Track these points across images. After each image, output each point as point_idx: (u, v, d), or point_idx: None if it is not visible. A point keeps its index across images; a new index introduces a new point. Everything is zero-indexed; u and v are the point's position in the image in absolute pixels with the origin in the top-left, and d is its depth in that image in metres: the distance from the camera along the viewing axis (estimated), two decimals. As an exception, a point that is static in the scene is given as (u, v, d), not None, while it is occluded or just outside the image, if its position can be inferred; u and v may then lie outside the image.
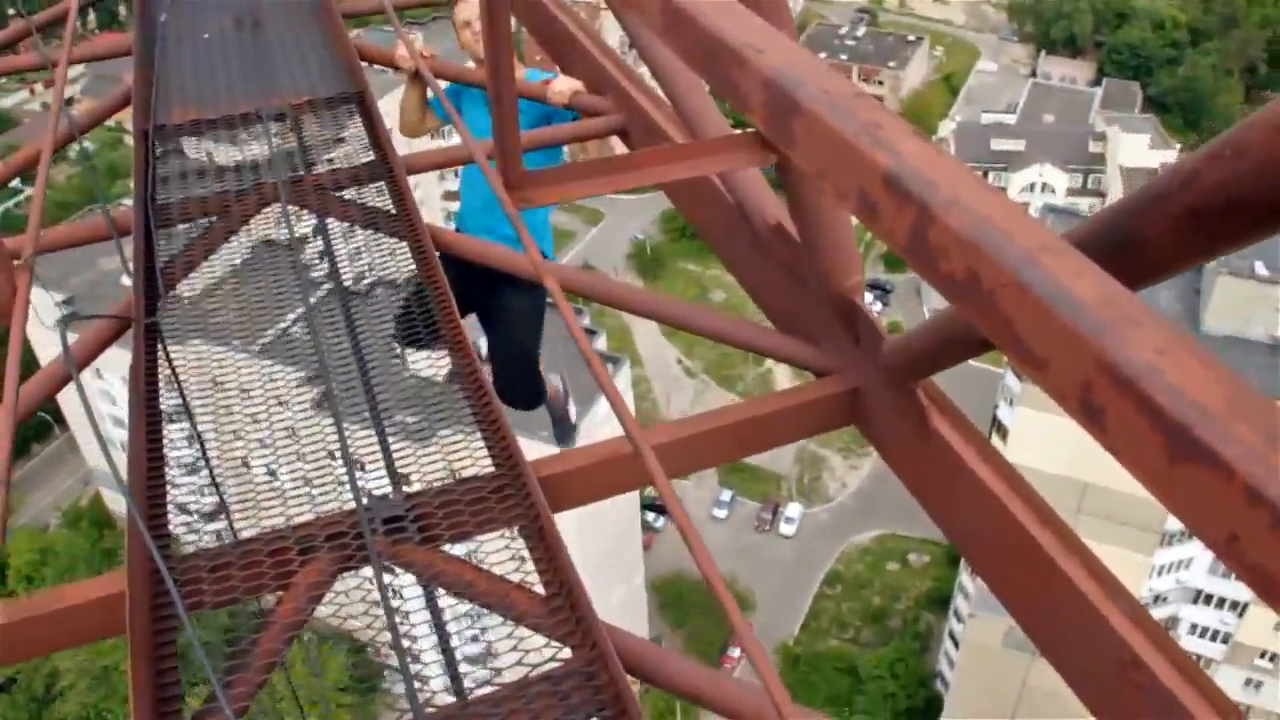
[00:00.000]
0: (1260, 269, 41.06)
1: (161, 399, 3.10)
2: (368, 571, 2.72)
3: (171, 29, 5.63)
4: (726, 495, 60.46)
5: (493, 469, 2.91)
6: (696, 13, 1.27)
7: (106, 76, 57.25)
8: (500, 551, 2.79)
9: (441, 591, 2.91)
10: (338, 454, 2.93)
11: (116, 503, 53.58)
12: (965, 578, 47.88)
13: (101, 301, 44.14)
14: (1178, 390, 0.68)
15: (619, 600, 46.14)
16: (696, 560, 1.81)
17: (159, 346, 3.29)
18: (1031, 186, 70.37)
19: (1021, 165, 70.47)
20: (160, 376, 3.20)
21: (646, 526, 58.29)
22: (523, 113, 5.11)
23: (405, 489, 2.90)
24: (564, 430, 6.64)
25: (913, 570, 58.26)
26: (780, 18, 2.35)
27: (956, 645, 48.42)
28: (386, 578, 2.66)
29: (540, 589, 2.70)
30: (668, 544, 57.73)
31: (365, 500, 2.79)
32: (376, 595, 2.68)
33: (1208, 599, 44.84)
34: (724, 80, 1.26)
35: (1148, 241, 1.24)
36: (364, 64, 5.26)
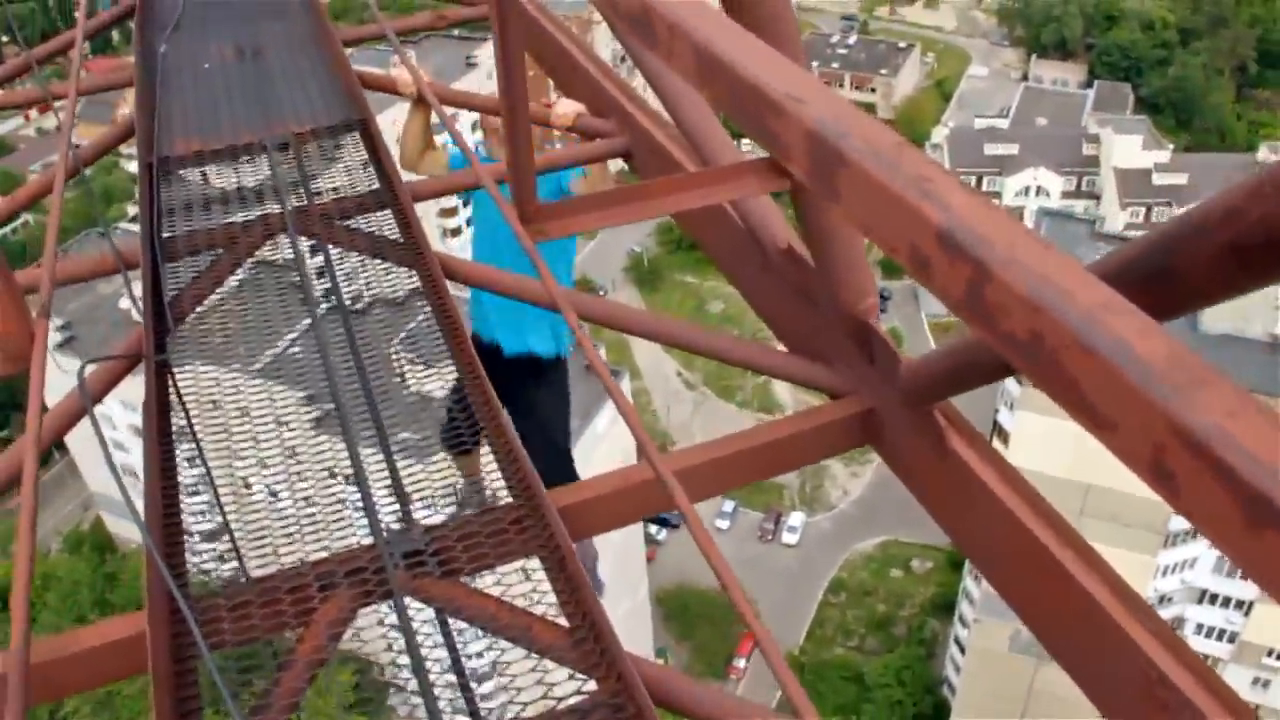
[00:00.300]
0: (1257, 269, 41.11)
1: (175, 438, 3.09)
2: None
3: (172, 59, 5.64)
4: (729, 506, 60.43)
5: (510, 500, 2.90)
6: (733, 61, 1.26)
7: (99, 101, 57.37)
8: (521, 584, 2.78)
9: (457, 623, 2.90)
10: (352, 485, 2.92)
11: (118, 526, 53.48)
12: (970, 583, 47.85)
13: (99, 326, 44.06)
14: (1251, 454, 0.68)
15: (624, 613, 46.01)
16: (728, 591, 1.80)
17: (170, 382, 3.28)
18: (1026, 190, 70.53)
19: (1015, 169, 70.64)
20: (173, 413, 3.20)
21: (649, 539, 58.24)
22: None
23: (424, 522, 2.89)
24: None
25: (916, 576, 58.22)
26: (793, 50, 2.35)
27: (962, 651, 48.37)
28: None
29: (562, 620, 2.69)
30: (671, 556, 57.67)
31: (384, 534, 2.78)
32: (391, 623, 2.68)
33: (1213, 598, 44.81)
34: (762, 130, 1.25)
35: (1187, 273, 1.24)
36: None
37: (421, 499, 2.97)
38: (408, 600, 2.70)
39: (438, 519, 2.89)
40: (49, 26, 78.81)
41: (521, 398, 5.26)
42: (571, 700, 2.43)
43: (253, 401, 3.24)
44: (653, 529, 58.72)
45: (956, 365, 2.57)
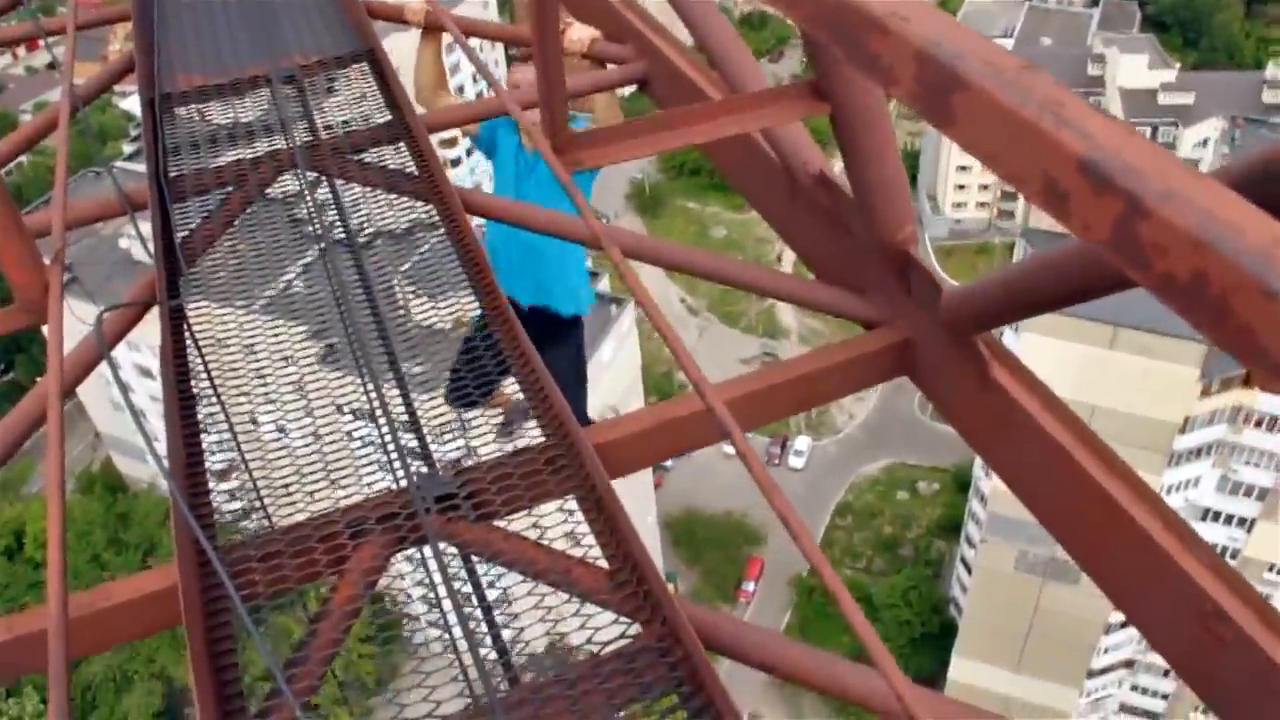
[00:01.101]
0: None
1: (193, 381, 3.00)
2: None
3: (168, -10, 5.45)
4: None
5: (544, 439, 2.82)
6: None
7: (89, 36, 56.40)
8: (557, 526, 2.72)
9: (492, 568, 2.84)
10: (377, 425, 2.84)
11: (128, 466, 53.84)
12: (975, 504, 48.21)
13: (101, 266, 43.83)
14: None
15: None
16: (793, 534, 1.72)
17: (185, 326, 3.19)
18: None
19: (1019, 89, 69.42)
20: (190, 357, 3.11)
21: (656, 467, 58.65)
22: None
23: (455, 463, 2.82)
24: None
25: (922, 498, 58.67)
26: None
27: (969, 571, 48.91)
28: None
29: (602, 562, 2.63)
30: (677, 482, 58.13)
31: (414, 477, 2.71)
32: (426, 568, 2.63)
33: (1215, 516, 45.15)
34: (861, 52, 1.14)
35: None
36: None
37: (447, 436, 2.90)
38: (442, 546, 2.64)
39: (469, 461, 2.82)
40: (34, -40, 77.07)
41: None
42: (616, 645, 2.38)
43: (267, 341, 3.15)
44: (659, 457, 58.96)
45: (1004, 296, 2.47)
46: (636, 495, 48.41)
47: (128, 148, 52.42)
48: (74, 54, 3.73)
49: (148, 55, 4.76)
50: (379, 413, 2.77)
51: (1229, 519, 45.00)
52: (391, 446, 2.73)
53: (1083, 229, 0.92)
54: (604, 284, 50.10)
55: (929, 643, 51.26)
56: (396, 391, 3.08)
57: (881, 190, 2.75)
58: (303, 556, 2.59)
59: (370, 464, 2.81)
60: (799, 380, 3.02)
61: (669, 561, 54.80)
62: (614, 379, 47.77)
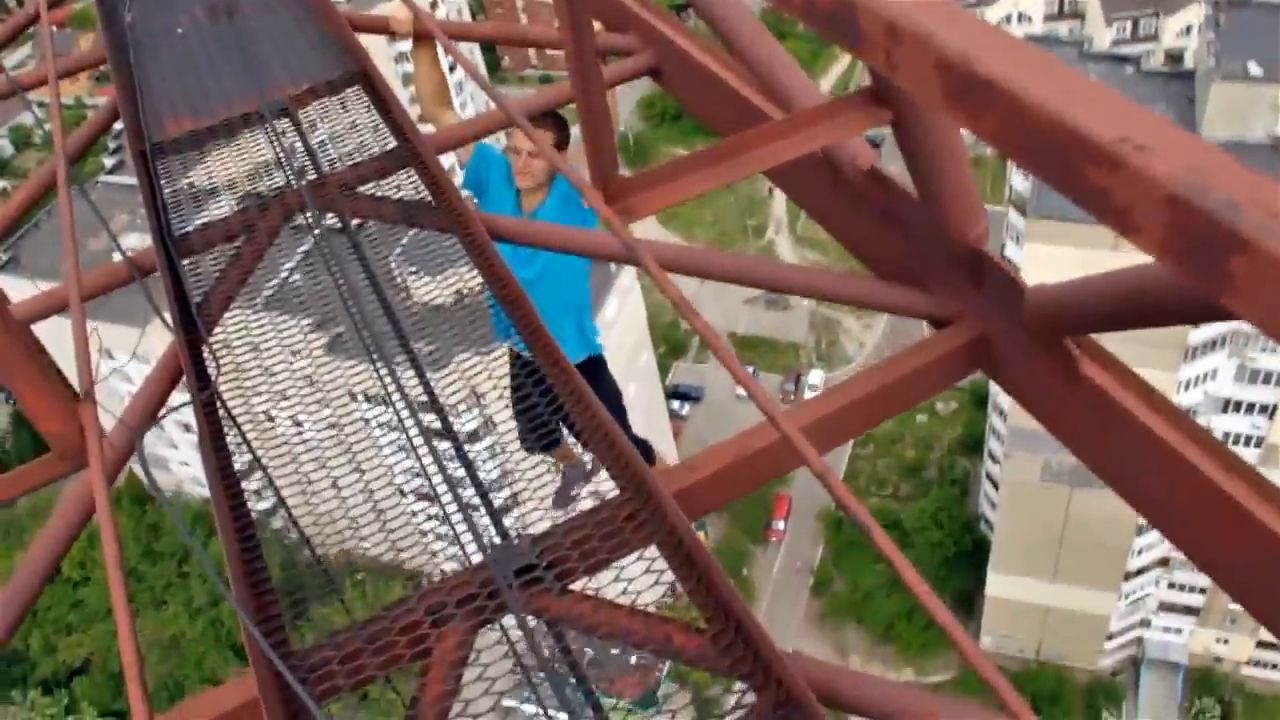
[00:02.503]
0: (1254, 69, 39.99)
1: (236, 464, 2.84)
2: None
3: (141, 28, 5.21)
4: (748, 372, 60.56)
5: (619, 494, 2.66)
6: (1016, 85, 0.93)
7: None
8: (642, 578, 2.57)
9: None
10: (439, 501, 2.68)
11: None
12: (995, 419, 48.13)
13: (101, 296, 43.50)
14: None
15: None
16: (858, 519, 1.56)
17: (220, 405, 3.02)
18: (1008, 18, 68.47)
19: (994, -3, 68.46)
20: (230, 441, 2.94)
21: (673, 415, 58.69)
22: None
23: (529, 531, 2.66)
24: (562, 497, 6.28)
25: (941, 419, 58.58)
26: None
27: (995, 486, 48.93)
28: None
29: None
30: (696, 429, 58.18)
31: (491, 552, 2.55)
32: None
33: (1236, 406, 45.02)
34: (1082, 187, 0.93)
35: None
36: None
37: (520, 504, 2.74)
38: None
39: (543, 526, 2.66)
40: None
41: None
42: (733, 717, 2.23)
43: (314, 422, 2.98)
44: (675, 405, 59.09)
45: (1107, 302, 2.28)
46: (657, 446, 48.33)
47: (108, 161, 51.86)
48: (61, 120, 3.52)
49: (132, 103, 4.54)
50: (448, 489, 2.61)
51: (1250, 407, 44.87)
52: (462, 523, 2.58)
53: None
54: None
55: (963, 561, 51.48)
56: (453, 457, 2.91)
57: (952, 190, 2.56)
58: (385, 653, 2.44)
59: (441, 541, 2.65)
60: (873, 395, 2.86)
61: (696, 510, 54.84)
62: (621, 334, 47.59)
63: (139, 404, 2.98)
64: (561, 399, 2.80)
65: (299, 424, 2.84)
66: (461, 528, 2.61)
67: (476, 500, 2.79)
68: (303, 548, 2.78)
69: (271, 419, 2.98)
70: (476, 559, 2.56)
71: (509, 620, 2.52)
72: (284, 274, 3.96)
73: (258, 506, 2.70)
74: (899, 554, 1.92)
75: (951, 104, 1.07)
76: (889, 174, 2.97)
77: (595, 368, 5.05)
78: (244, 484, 2.78)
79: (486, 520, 2.77)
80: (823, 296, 3.17)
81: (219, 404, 2.96)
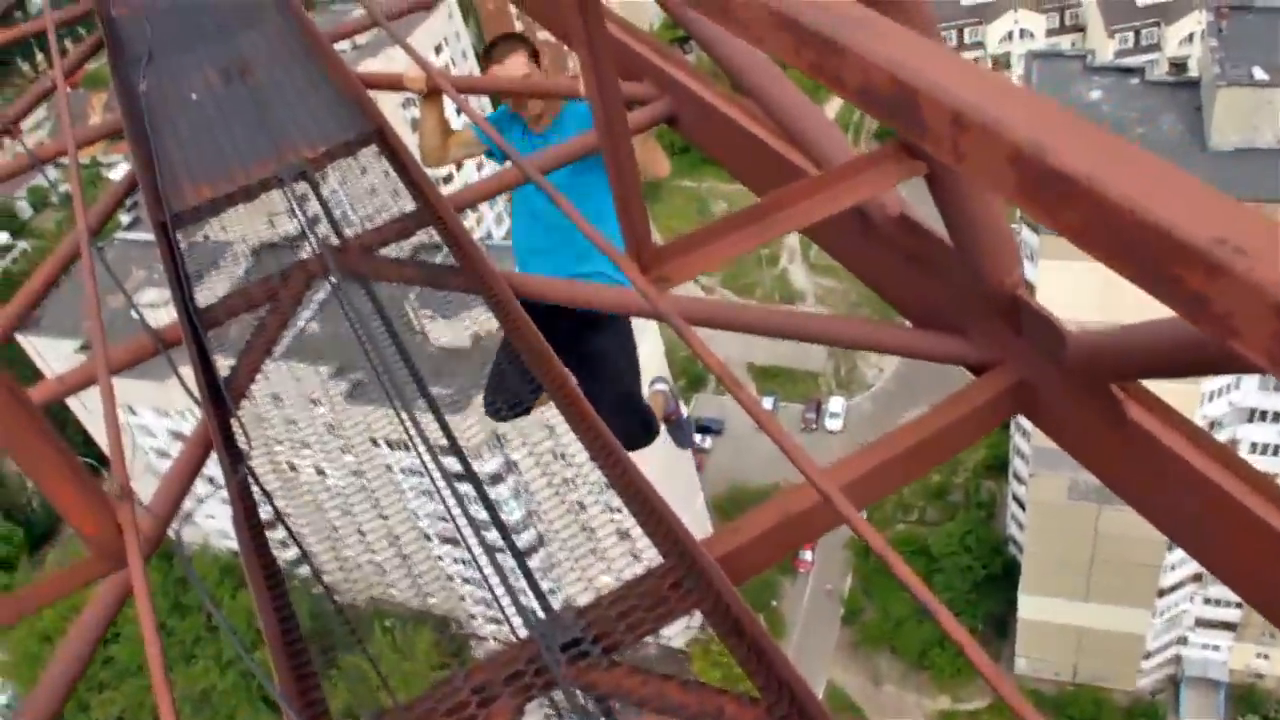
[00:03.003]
0: (1259, 74, 39.81)
1: (275, 550, 2.79)
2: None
3: (155, 96, 5.23)
4: (768, 402, 60.38)
5: (663, 562, 2.60)
6: (1125, 196, 0.85)
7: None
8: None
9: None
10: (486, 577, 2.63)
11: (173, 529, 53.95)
12: (1019, 439, 47.74)
13: (116, 342, 43.83)
14: None
15: (687, 526, 46.30)
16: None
17: (253, 479, 2.97)
18: (1010, 35, 68.73)
19: (996, 15, 68.68)
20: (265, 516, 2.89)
21: (695, 449, 58.49)
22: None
23: (574, 604, 2.59)
24: (682, 435, 6.23)
25: (964, 441, 58.12)
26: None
27: (1022, 507, 48.45)
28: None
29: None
30: (719, 461, 57.96)
31: (537, 626, 2.49)
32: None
33: (1263, 415, 44.55)
34: (1177, 292, 0.86)
35: None
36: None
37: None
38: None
39: (587, 597, 2.60)
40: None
41: (586, 351, 4.84)
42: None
43: (352, 498, 2.93)
44: (697, 438, 58.89)
45: (1151, 350, 2.21)
46: (681, 482, 48.18)
47: (125, 218, 52.34)
48: (79, 174, 3.51)
49: (150, 172, 4.54)
50: (489, 559, 2.56)
51: (1276, 416, 44.41)
52: (506, 595, 2.52)
53: None
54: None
55: (994, 585, 50.89)
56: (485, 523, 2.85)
57: (988, 238, 2.51)
58: (432, 735, 2.38)
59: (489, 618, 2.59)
60: (914, 449, 2.79)
61: (722, 542, 54.55)
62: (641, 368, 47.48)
63: (169, 488, 2.94)
64: (606, 472, 2.74)
65: (322, 472, 2.78)
66: (505, 600, 2.56)
67: (514, 565, 2.73)
68: (332, 599, 2.72)
69: (294, 468, 2.92)
70: (521, 632, 2.51)
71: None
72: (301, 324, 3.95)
73: (291, 565, 2.65)
74: (923, 586, 1.86)
75: (1026, 200, 1.00)
76: (920, 220, 2.92)
77: (618, 323, 4.97)
78: (274, 546, 2.73)
79: (524, 583, 2.71)
80: (859, 347, 3.12)
81: (252, 480, 2.92)
